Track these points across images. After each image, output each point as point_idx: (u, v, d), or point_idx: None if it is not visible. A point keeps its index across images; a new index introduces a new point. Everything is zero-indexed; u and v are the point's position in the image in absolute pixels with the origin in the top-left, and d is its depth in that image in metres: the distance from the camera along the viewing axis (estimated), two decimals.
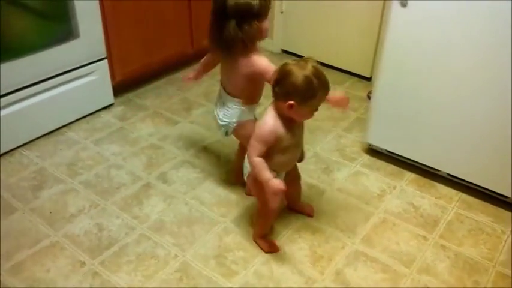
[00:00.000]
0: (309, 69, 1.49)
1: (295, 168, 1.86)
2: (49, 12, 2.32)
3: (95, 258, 1.79)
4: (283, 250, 1.85)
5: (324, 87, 1.51)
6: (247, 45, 1.67)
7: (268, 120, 1.57)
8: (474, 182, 2.11)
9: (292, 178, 1.85)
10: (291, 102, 1.50)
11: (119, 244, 1.85)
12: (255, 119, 1.87)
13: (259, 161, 1.56)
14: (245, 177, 1.75)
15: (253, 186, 1.73)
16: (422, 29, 1.95)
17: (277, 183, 1.52)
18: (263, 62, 1.69)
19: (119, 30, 2.58)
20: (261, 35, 1.69)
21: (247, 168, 1.71)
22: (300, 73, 1.48)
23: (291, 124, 1.59)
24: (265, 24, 1.69)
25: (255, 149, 1.56)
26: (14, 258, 1.78)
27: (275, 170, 1.67)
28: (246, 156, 1.69)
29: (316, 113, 1.58)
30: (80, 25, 2.37)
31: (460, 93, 1.97)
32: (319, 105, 1.55)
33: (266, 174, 1.54)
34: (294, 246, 1.88)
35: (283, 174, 1.75)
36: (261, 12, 1.64)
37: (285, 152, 1.63)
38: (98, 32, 2.47)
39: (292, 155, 1.71)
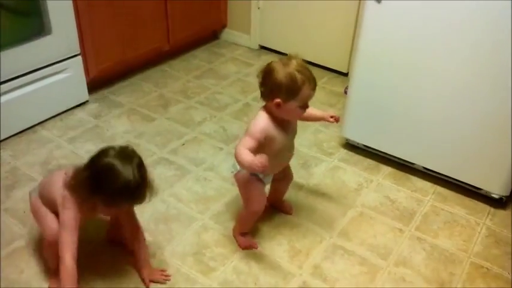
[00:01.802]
0: (292, 65, 1.48)
1: (288, 168, 1.85)
2: (19, 7, 2.26)
3: None
4: (262, 246, 1.85)
5: (309, 81, 1.49)
6: None
7: (261, 121, 1.55)
8: (449, 175, 2.14)
9: (283, 177, 1.84)
10: (277, 100, 1.49)
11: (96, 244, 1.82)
12: None
13: (245, 150, 1.49)
14: (232, 175, 1.72)
15: (240, 186, 1.71)
16: (396, 25, 1.97)
17: (259, 159, 1.43)
18: None
19: (94, 26, 2.53)
20: None
21: (234, 167, 1.67)
22: (282, 70, 1.48)
23: (284, 126, 1.58)
24: None
25: (244, 143, 1.51)
26: None
27: (263, 172, 1.66)
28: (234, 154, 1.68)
29: None
30: (52, 21, 2.32)
31: (433, 87, 1.99)
32: (306, 101, 1.53)
33: (248, 156, 1.45)
34: (272, 241, 1.88)
35: (271, 176, 1.74)
36: None
37: (276, 155, 1.60)
38: (71, 28, 2.42)
39: (284, 158, 1.71)
